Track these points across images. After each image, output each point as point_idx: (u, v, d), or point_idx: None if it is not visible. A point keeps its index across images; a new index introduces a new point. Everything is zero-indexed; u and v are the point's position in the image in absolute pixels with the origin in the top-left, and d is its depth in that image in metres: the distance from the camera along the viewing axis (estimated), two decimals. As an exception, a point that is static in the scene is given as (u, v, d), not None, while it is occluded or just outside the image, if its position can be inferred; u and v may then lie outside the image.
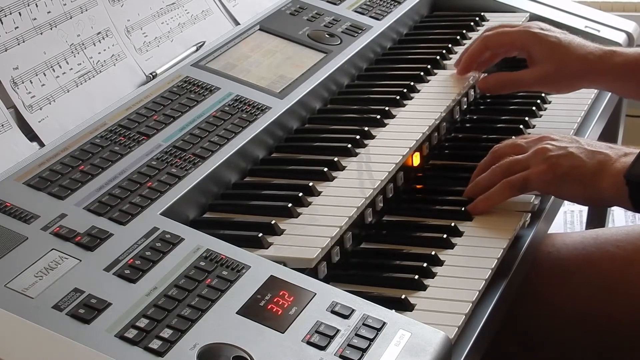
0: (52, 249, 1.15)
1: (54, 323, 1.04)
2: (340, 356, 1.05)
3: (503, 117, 1.77)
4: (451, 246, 1.35)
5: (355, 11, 1.89)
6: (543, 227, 1.50)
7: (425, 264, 1.29)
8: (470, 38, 1.92)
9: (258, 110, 1.52)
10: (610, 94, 1.89)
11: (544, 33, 1.68)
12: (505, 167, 1.44)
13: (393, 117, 1.61)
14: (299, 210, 1.34)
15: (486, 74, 1.77)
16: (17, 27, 1.41)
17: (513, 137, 1.56)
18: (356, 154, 1.49)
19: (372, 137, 1.55)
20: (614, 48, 1.69)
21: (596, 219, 2.29)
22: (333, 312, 1.11)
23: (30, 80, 1.40)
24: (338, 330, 1.08)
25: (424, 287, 1.25)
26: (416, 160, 1.57)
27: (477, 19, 1.99)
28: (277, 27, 1.76)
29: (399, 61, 1.83)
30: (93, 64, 1.50)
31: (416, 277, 1.26)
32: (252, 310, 1.10)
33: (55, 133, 1.38)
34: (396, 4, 1.96)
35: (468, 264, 1.31)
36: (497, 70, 1.82)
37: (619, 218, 2.83)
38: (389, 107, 1.62)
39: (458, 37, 1.90)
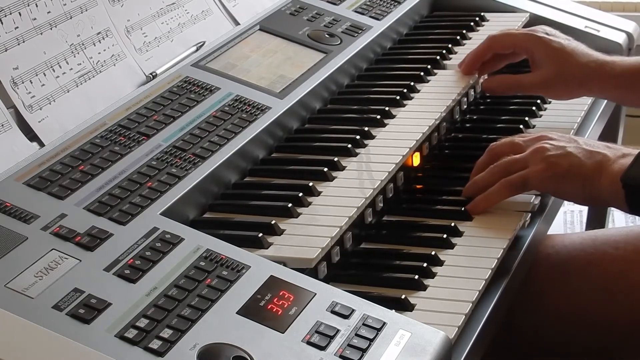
0: (52, 249, 1.15)
1: (54, 323, 1.04)
2: (341, 356, 1.05)
3: (503, 117, 1.77)
4: (451, 246, 1.35)
5: (355, 11, 1.89)
6: (543, 227, 1.50)
7: (425, 264, 1.29)
8: (470, 38, 1.92)
9: (258, 110, 1.52)
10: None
11: (548, 38, 1.68)
12: (504, 167, 1.45)
13: (393, 117, 1.61)
14: (299, 210, 1.34)
15: (486, 76, 1.77)
16: (17, 27, 1.41)
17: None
18: (356, 154, 1.49)
19: (372, 137, 1.54)
20: (615, 58, 1.69)
21: (596, 220, 2.29)
22: (333, 312, 1.11)
23: (30, 80, 1.40)
24: (338, 330, 1.08)
25: (424, 287, 1.25)
26: (416, 160, 1.57)
27: (477, 19, 1.99)
28: (277, 27, 1.76)
29: (399, 61, 1.83)
30: (93, 64, 1.50)
31: (416, 277, 1.26)
32: (252, 310, 1.10)
33: (55, 133, 1.38)
34: (396, 4, 1.96)
35: (468, 264, 1.31)
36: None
37: (619, 219, 2.83)
38: (389, 107, 1.62)
39: (458, 37, 1.90)
